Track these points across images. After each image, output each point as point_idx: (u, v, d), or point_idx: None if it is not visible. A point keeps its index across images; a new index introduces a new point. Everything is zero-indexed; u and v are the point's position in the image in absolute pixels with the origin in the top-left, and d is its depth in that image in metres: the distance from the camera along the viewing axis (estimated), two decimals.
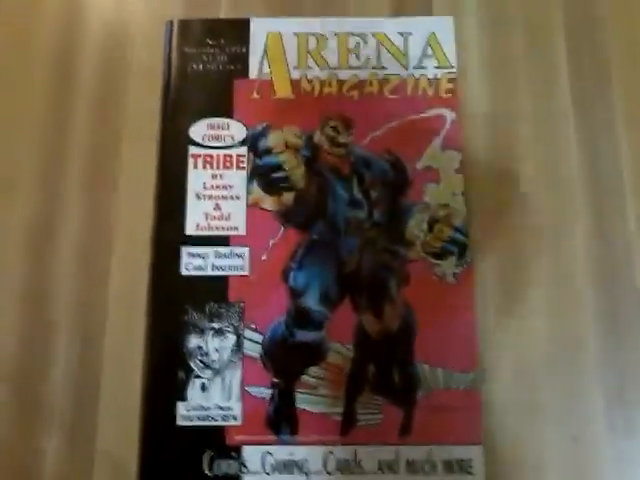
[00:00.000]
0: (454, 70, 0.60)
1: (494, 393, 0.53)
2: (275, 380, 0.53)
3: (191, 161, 0.58)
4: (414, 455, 0.52)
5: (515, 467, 0.52)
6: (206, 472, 0.51)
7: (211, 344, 0.54)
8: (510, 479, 0.52)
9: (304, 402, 0.53)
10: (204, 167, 0.58)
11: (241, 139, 0.58)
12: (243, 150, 0.58)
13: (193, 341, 0.54)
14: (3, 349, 0.55)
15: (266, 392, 0.53)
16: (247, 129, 0.58)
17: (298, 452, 0.52)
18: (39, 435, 0.53)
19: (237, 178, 0.57)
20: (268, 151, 0.58)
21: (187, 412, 0.52)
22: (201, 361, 0.53)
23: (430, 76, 0.60)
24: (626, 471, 0.52)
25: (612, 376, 0.54)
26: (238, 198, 0.57)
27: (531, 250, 0.57)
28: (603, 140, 0.59)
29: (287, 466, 0.52)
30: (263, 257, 0.55)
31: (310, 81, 0.60)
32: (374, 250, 0.56)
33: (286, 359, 0.54)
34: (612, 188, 0.58)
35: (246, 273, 0.55)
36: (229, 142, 0.58)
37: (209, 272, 0.55)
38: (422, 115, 0.59)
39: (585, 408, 0.53)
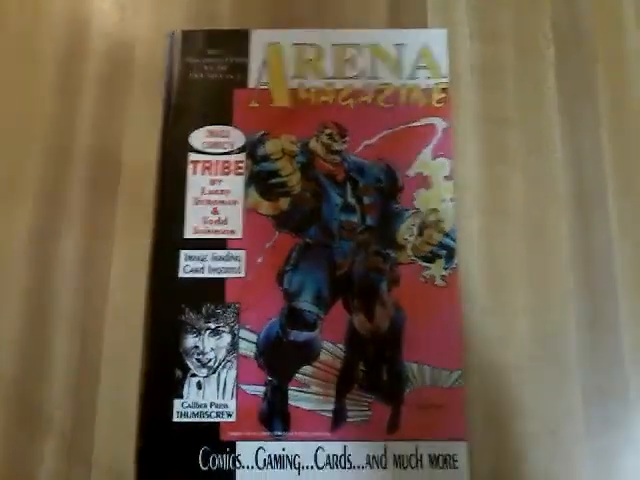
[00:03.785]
0: (446, 80, 0.61)
1: (478, 390, 0.55)
2: (269, 378, 0.54)
3: (190, 167, 0.60)
4: (401, 450, 0.53)
5: (497, 462, 0.53)
6: (201, 467, 0.53)
7: (207, 343, 0.55)
8: (493, 473, 0.53)
9: (296, 399, 0.54)
10: (203, 173, 0.59)
11: (240, 146, 0.60)
12: (241, 157, 0.60)
13: (190, 340, 0.55)
14: (2, 351, 0.56)
15: (260, 390, 0.54)
16: (246, 136, 0.60)
17: (290, 447, 0.53)
18: (37, 436, 0.55)
19: (235, 184, 0.59)
20: (265, 158, 0.60)
21: (183, 409, 0.54)
22: (197, 360, 0.55)
23: (423, 86, 0.61)
24: (603, 466, 0.53)
25: (591, 374, 0.55)
26: (235, 203, 0.59)
27: (515, 253, 0.58)
28: (588, 147, 0.60)
29: (279, 461, 0.53)
30: (259, 260, 0.57)
31: (307, 90, 0.61)
32: (366, 253, 0.57)
33: (280, 358, 0.55)
34: (596, 192, 0.59)
35: (242, 275, 0.57)
36: (228, 149, 0.60)
37: (206, 274, 0.57)
38: (414, 124, 0.60)
39: (564, 404, 0.54)
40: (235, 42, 0.63)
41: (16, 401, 0.55)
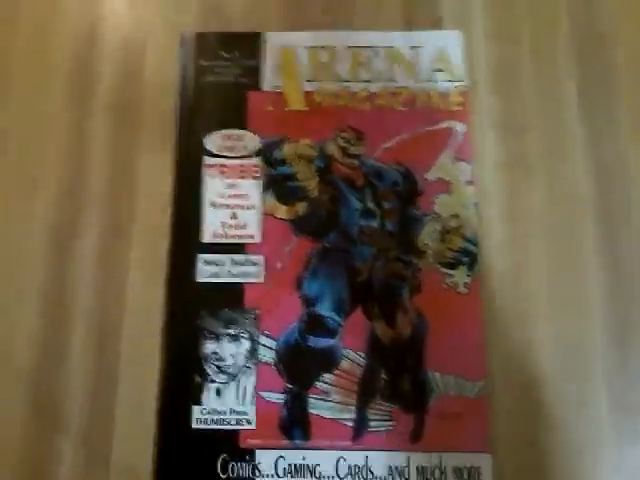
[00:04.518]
0: (464, 83, 0.61)
1: (502, 401, 0.54)
2: (289, 386, 0.54)
3: (206, 171, 0.59)
4: (425, 461, 0.52)
5: (522, 475, 0.53)
6: (220, 475, 0.52)
7: (226, 349, 0.54)
8: None
9: (317, 407, 0.53)
10: (220, 177, 0.59)
11: (255, 150, 0.59)
12: (257, 160, 0.59)
13: (209, 346, 0.54)
14: (21, 352, 0.56)
15: (280, 397, 0.53)
16: (261, 140, 0.59)
17: (310, 456, 0.52)
18: (55, 439, 0.54)
19: (252, 188, 0.58)
20: (282, 161, 0.59)
21: (202, 416, 0.53)
22: (216, 366, 0.54)
23: (440, 89, 0.61)
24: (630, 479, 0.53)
25: (618, 386, 0.54)
26: (253, 207, 0.58)
27: (538, 260, 0.57)
28: (609, 151, 0.60)
29: (299, 470, 0.52)
30: (278, 265, 0.56)
31: (322, 94, 0.61)
32: (386, 259, 0.57)
33: (300, 365, 0.54)
34: (620, 199, 0.59)
35: (261, 280, 0.56)
36: (243, 152, 0.59)
37: (225, 279, 0.56)
38: (433, 127, 0.60)
39: (590, 417, 0.54)
40: (248, 45, 0.62)
41: (35, 402, 0.55)
